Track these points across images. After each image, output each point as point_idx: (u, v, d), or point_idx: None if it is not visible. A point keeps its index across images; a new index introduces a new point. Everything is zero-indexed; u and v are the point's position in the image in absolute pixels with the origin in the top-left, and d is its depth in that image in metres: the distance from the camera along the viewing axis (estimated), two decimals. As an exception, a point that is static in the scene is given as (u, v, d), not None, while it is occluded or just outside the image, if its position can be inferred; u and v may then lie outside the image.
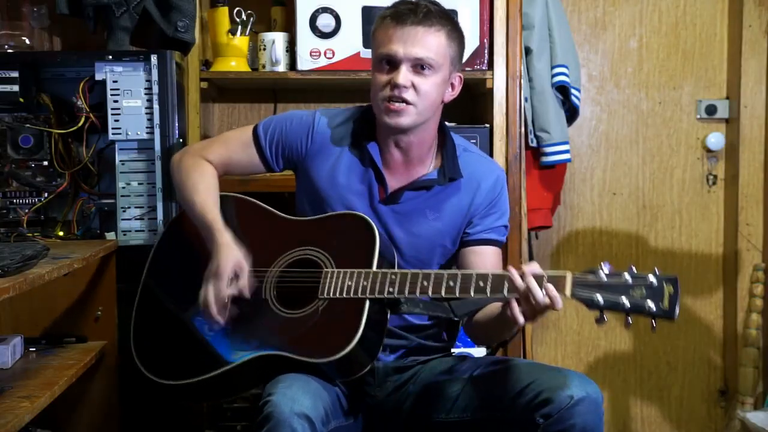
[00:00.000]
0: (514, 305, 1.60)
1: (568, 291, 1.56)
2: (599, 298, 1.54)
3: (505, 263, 2.18)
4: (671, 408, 3.22)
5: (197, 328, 1.85)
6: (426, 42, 1.76)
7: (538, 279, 1.58)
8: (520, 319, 1.60)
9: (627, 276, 1.55)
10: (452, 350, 2.04)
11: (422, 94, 1.78)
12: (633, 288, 1.54)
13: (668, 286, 1.53)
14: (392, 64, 1.78)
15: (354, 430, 1.81)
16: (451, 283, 1.67)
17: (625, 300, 1.53)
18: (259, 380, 1.76)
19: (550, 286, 1.57)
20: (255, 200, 1.99)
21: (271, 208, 1.96)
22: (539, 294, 1.57)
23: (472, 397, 1.77)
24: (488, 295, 1.63)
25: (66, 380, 1.90)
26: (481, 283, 1.64)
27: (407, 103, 1.78)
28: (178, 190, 1.99)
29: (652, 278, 1.53)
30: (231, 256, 1.78)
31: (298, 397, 1.57)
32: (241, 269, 1.77)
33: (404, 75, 1.76)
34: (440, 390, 1.82)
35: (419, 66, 1.77)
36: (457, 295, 1.67)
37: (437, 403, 1.81)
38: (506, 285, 1.62)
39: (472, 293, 1.65)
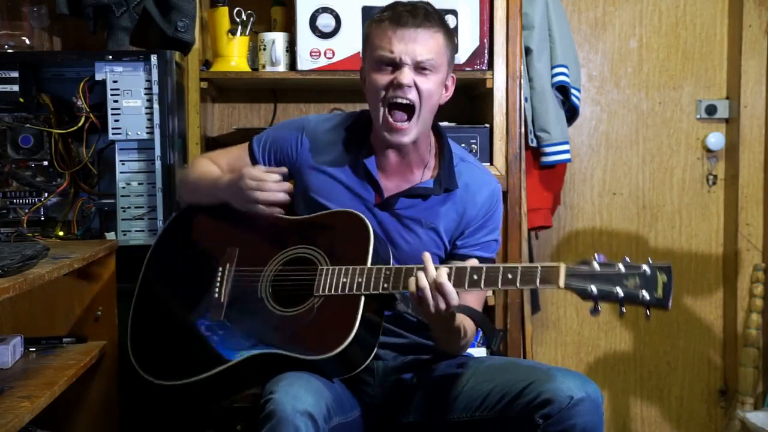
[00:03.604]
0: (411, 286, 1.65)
1: (561, 281, 1.57)
2: (593, 288, 1.55)
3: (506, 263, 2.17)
4: (671, 408, 3.22)
5: (194, 328, 1.85)
6: (427, 43, 1.76)
7: (532, 270, 1.59)
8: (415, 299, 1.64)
9: (620, 266, 1.55)
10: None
11: (425, 95, 1.78)
12: (626, 277, 1.54)
13: (661, 275, 1.54)
14: (393, 65, 1.78)
15: (355, 428, 1.81)
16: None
17: (618, 290, 1.54)
18: (257, 380, 1.75)
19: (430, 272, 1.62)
20: None
21: None
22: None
23: (471, 397, 1.77)
24: (482, 287, 1.64)
25: (66, 380, 1.90)
26: (475, 277, 1.64)
27: (411, 109, 1.78)
28: (181, 185, 2.05)
29: (645, 267, 1.54)
30: (241, 174, 1.82)
31: (300, 395, 1.58)
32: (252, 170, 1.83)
33: (407, 74, 1.75)
34: (440, 390, 1.82)
35: (421, 67, 1.77)
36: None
37: (437, 403, 1.81)
38: (500, 277, 1.61)
39: (466, 286, 1.65)
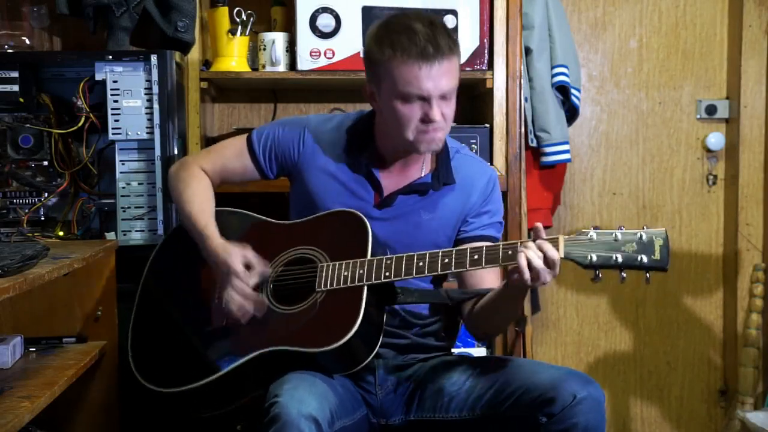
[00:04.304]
0: (522, 261, 1.61)
1: (561, 251, 1.61)
2: (592, 255, 1.60)
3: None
4: (671, 408, 3.22)
5: (196, 334, 1.85)
6: (450, 74, 1.76)
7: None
8: (527, 274, 1.61)
9: (617, 233, 1.61)
10: (452, 350, 2.04)
11: (448, 118, 1.80)
12: (624, 244, 1.60)
13: (658, 239, 1.59)
14: (421, 98, 1.76)
15: (358, 430, 1.81)
16: (446, 260, 1.70)
17: (617, 255, 1.59)
18: (261, 382, 1.75)
19: (546, 245, 1.60)
20: (246, 211, 2.00)
21: (261, 216, 1.97)
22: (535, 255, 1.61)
23: (473, 396, 1.77)
24: (483, 265, 1.67)
25: (66, 380, 1.90)
26: (476, 256, 1.67)
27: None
28: (174, 201, 2.02)
29: (641, 233, 1.60)
30: (232, 252, 1.80)
31: (305, 399, 1.58)
32: (247, 258, 1.79)
33: (437, 110, 1.76)
34: (441, 389, 1.82)
35: (445, 96, 1.77)
36: (453, 269, 1.70)
37: (438, 402, 1.81)
38: (500, 254, 1.65)
39: (467, 266, 1.68)
